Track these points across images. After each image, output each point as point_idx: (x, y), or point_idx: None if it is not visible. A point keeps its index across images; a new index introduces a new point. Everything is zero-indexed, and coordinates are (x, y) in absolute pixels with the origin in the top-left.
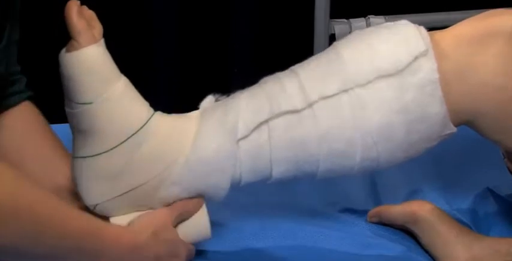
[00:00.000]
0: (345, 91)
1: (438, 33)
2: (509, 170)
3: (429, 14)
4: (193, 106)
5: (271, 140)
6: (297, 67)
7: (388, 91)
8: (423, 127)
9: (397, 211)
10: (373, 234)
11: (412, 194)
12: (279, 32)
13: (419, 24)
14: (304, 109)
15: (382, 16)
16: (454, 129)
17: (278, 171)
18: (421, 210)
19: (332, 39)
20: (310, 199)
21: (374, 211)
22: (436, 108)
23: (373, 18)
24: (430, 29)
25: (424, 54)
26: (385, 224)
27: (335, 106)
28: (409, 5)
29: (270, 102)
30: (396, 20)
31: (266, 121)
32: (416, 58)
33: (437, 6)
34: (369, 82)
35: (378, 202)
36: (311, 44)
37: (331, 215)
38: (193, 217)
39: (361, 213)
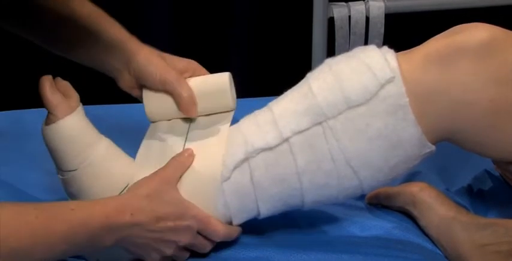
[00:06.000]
0: (318, 124)
1: (406, 55)
2: (501, 175)
3: None
4: None
5: (254, 179)
6: (273, 104)
7: (360, 121)
8: (401, 151)
9: (396, 192)
10: (372, 215)
11: (411, 176)
12: (278, 15)
13: (419, 7)
14: (278, 145)
15: None
16: (433, 147)
17: (265, 208)
18: (419, 192)
19: (331, 22)
20: None
21: (373, 193)
22: (410, 131)
23: (372, 2)
24: (428, 11)
25: (390, 80)
26: (384, 205)
27: (310, 140)
28: None
29: (245, 141)
30: (395, 4)
31: (246, 161)
32: (383, 86)
33: None
34: (340, 113)
35: None
36: (310, 28)
37: None
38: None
39: (360, 195)
